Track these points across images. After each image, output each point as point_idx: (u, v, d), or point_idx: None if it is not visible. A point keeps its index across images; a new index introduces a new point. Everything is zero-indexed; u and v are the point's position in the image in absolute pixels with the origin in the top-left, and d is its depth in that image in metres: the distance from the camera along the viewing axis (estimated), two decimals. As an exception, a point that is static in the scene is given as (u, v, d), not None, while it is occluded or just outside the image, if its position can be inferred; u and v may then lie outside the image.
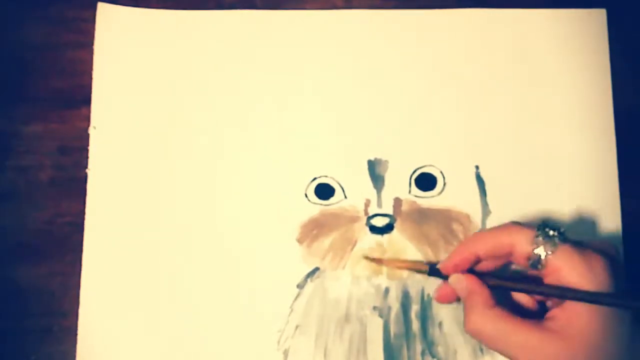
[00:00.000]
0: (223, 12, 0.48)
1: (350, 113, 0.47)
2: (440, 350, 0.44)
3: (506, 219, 0.45)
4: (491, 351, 0.44)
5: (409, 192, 0.46)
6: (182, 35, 0.48)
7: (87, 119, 0.47)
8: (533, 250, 0.37)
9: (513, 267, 0.42)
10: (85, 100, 0.47)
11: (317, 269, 0.45)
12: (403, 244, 0.45)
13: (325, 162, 0.46)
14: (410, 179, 0.46)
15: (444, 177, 0.46)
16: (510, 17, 0.48)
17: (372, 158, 0.46)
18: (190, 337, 0.44)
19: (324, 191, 0.46)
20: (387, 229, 0.45)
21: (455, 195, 0.46)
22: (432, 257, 0.45)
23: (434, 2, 0.48)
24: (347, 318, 0.45)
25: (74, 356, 0.44)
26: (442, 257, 0.45)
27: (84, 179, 0.46)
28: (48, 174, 0.46)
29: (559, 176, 0.46)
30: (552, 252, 0.37)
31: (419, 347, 0.44)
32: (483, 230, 0.42)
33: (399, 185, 0.46)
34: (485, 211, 0.46)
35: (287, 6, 0.49)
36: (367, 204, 0.46)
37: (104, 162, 0.46)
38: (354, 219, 0.46)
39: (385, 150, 0.46)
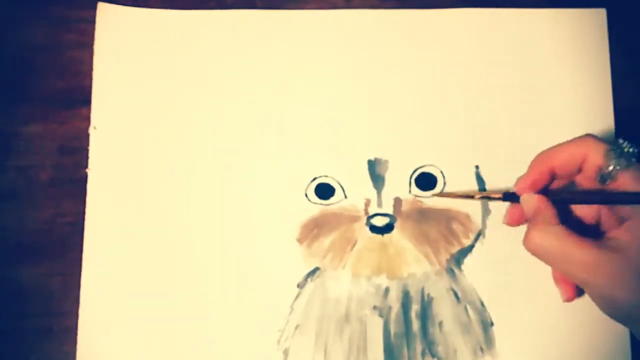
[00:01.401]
0: (223, 12, 0.48)
1: (350, 113, 0.47)
2: (440, 349, 0.44)
3: (506, 218, 0.45)
4: (491, 351, 0.44)
5: (409, 191, 0.46)
6: (182, 35, 0.48)
7: (87, 119, 0.47)
8: (606, 163, 0.38)
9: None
10: (85, 100, 0.47)
11: (317, 268, 0.45)
12: (403, 244, 0.45)
13: (326, 162, 0.46)
14: (411, 178, 0.46)
15: (444, 177, 0.46)
16: (510, 16, 0.48)
17: (372, 158, 0.46)
18: (190, 337, 0.44)
19: (324, 191, 0.46)
20: (388, 228, 0.45)
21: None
22: (432, 257, 0.45)
23: (433, 2, 0.48)
24: (347, 318, 0.45)
25: (74, 356, 0.44)
26: (443, 257, 0.45)
27: (84, 179, 0.46)
28: (48, 174, 0.47)
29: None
30: (625, 167, 0.38)
31: (419, 346, 0.44)
32: (552, 147, 0.42)
33: (399, 185, 0.46)
34: (485, 211, 0.46)
35: (287, 6, 0.49)
36: (367, 203, 0.46)
37: (104, 162, 0.46)
38: (354, 219, 0.46)
39: (386, 150, 0.46)
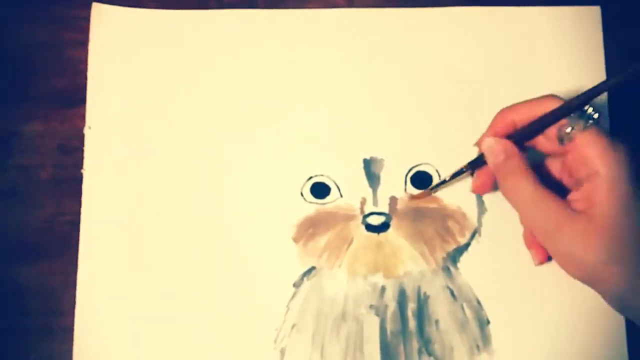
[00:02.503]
0: (222, 11, 0.49)
1: (346, 112, 0.47)
2: (436, 348, 0.44)
3: (502, 217, 0.45)
4: (488, 349, 0.44)
5: (405, 190, 0.46)
6: (178, 35, 0.48)
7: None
8: (565, 123, 0.38)
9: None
10: (85, 99, 0.47)
11: (313, 267, 0.45)
12: (399, 242, 0.45)
13: (321, 161, 0.46)
14: (406, 177, 0.46)
15: (439, 176, 0.46)
16: (505, 14, 0.48)
17: (367, 157, 0.47)
18: (187, 336, 0.44)
19: (320, 190, 0.46)
20: (383, 227, 0.45)
21: (451, 194, 0.46)
22: (428, 255, 0.45)
23: (429, 1, 0.48)
24: (343, 317, 0.45)
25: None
26: (439, 255, 0.45)
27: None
28: (48, 173, 0.47)
29: (555, 174, 0.46)
30: (583, 129, 0.38)
31: (415, 345, 0.44)
32: (516, 104, 0.42)
33: (394, 183, 0.46)
34: (481, 209, 0.46)
35: (287, 5, 0.49)
36: (363, 202, 0.46)
37: (99, 162, 0.46)
38: (349, 218, 0.46)
39: (381, 149, 0.47)
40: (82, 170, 0.46)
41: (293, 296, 0.45)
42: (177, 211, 0.46)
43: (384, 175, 0.46)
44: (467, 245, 0.45)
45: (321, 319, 0.45)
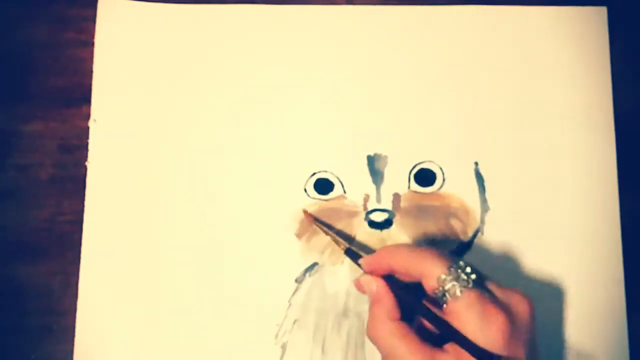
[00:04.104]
0: (224, 6, 0.48)
1: (350, 108, 0.47)
2: (437, 345, 0.44)
3: (505, 215, 0.45)
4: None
5: (408, 187, 0.46)
6: (183, 29, 0.48)
7: (88, 118, 0.47)
8: (439, 285, 0.36)
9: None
10: (85, 98, 0.47)
11: (315, 263, 0.45)
12: (402, 239, 0.45)
13: (325, 157, 0.46)
14: (410, 174, 0.46)
15: (443, 173, 0.46)
16: (510, 14, 0.48)
17: (371, 153, 0.47)
18: (189, 332, 0.44)
19: (323, 186, 0.46)
20: (386, 224, 0.45)
21: (454, 191, 0.46)
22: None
23: (434, -1, 0.49)
24: (345, 313, 0.45)
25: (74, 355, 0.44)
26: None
27: (84, 178, 0.46)
28: (48, 173, 0.47)
29: (558, 174, 0.46)
30: (457, 294, 0.36)
31: (416, 342, 0.44)
32: (404, 245, 0.41)
33: (398, 180, 0.46)
34: (484, 207, 0.46)
35: (289, 1, 0.49)
36: (366, 199, 0.46)
37: (103, 156, 0.46)
38: (352, 214, 0.46)
39: (385, 146, 0.47)
40: (87, 164, 0.46)
41: (295, 292, 0.45)
42: (179, 207, 0.46)
43: (388, 172, 0.46)
44: (470, 243, 0.45)
45: (323, 314, 0.45)
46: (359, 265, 0.40)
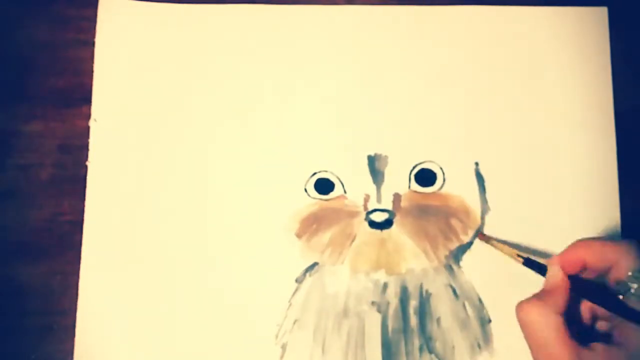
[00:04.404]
0: (224, 6, 0.48)
1: (350, 108, 0.47)
2: (438, 345, 0.44)
3: (505, 215, 0.45)
4: (489, 347, 0.44)
5: (409, 187, 0.46)
6: (184, 28, 0.48)
7: (88, 118, 0.47)
8: (628, 276, 0.38)
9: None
10: (85, 98, 0.47)
11: (315, 263, 0.45)
12: (402, 240, 0.45)
13: (325, 157, 0.46)
14: (410, 174, 0.46)
15: (443, 173, 0.46)
16: (511, 14, 0.48)
17: (372, 153, 0.47)
18: (189, 332, 0.44)
19: (324, 186, 0.46)
20: (387, 224, 0.45)
21: (454, 191, 0.46)
22: (431, 253, 0.45)
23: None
24: (345, 313, 0.45)
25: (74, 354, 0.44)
26: (441, 253, 0.45)
27: (84, 178, 0.46)
28: (48, 173, 0.47)
29: (558, 174, 0.46)
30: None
31: (416, 342, 0.44)
32: (596, 238, 0.42)
33: (398, 180, 0.46)
34: (485, 208, 0.46)
35: (289, 1, 0.49)
36: (367, 199, 0.46)
37: (104, 155, 0.46)
38: (353, 214, 0.46)
39: (385, 146, 0.47)
40: (87, 163, 0.46)
41: (295, 292, 0.45)
42: (179, 206, 0.46)
43: (388, 172, 0.46)
44: (470, 243, 0.46)
45: (323, 314, 0.45)
46: (542, 273, 0.41)
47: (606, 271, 0.39)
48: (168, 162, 0.46)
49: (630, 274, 0.38)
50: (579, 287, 0.40)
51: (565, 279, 0.40)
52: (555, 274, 0.40)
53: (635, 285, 0.38)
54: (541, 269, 0.41)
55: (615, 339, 0.39)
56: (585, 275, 0.41)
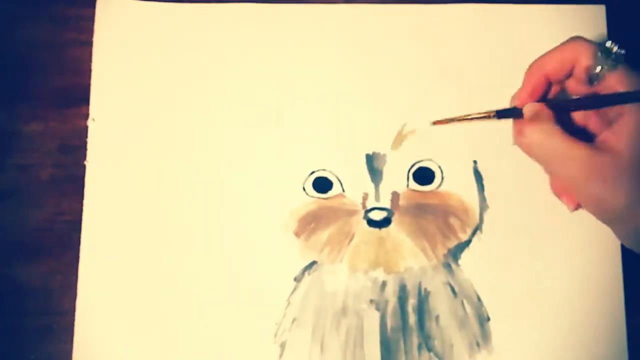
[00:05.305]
0: (223, 5, 0.49)
1: (348, 107, 0.47)
2: (436, 344, 0.44)
3: (504, 213, 0.45)
4: (488, 345, 0.44)
5: (407, 186, 0.46)
6: (182, 28, 0.48)
7: (87, 118, 0.47)
8: (594, 64, 0.39)
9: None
10: (85, 98, 0.47)
11: (314, 262, 0.45)
12: (400, 238, 0.45)
13: (324, 156, 0.46)
14: (409, 173, 0.46)
15: (442, 172, 0.46)
16: (508, 12, 0.48)
17: (370, 152, 0.47)
18: (188, 331, 0.44)
19: (322, 185, 0.46)
20: (385, 222, 0.45)
21: (453, 190, 0.46)
22: (429, 251, 0.45)
23: (433, -2, 0.49)
24: (344, 311, 0.45)
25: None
26: (440, 251, 0.45)
27: (84, 178, 0.46)
28: (48, 173, 0.47)
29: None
30: (612, 68, 0.39)
31: (415, 340, 0.44)
32: (542, 55, 0.43)
33: (397, 179, 0.46)
34: (483, 205, 0.46)
35: (288, 0, 0.49)
36: (365, 197, 0.46)
37: (102, 155, 0.46)
38: (351, 213, 0.46)
39: (384, 144, 0.47)
40: (85, 163, 0.46)
41: (294, 290, 0.45)
42: (178, 206, 0.46)
43: (386, 171, 0.46)
44: (469, 241, 0.45)
45: (321, 313, 0.45)
46: (518, 115, 0.42)
47: (569, 75, 0.41)
48: (166, 161, 0.47)
49: (593, 60, 0.39)
50: (557, 106, 0.41)
51: (542, 104, 0.41)
52: (531, 106, 0.41)
53: (599, 67, 0.39)
54: (516, 113, 0.42)
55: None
56: (553, 91, 0.42)
